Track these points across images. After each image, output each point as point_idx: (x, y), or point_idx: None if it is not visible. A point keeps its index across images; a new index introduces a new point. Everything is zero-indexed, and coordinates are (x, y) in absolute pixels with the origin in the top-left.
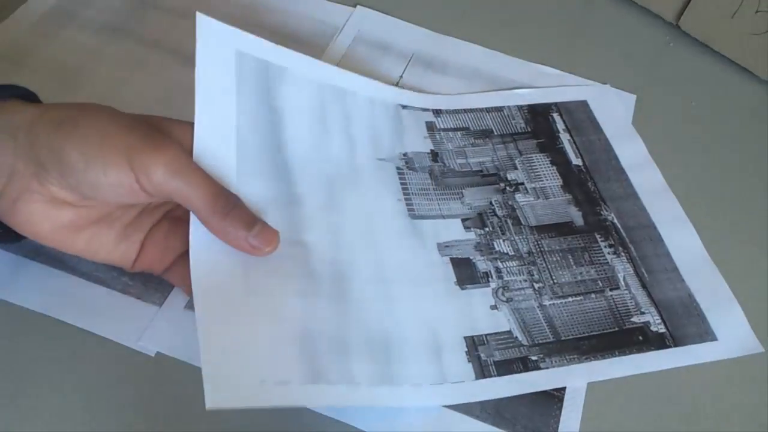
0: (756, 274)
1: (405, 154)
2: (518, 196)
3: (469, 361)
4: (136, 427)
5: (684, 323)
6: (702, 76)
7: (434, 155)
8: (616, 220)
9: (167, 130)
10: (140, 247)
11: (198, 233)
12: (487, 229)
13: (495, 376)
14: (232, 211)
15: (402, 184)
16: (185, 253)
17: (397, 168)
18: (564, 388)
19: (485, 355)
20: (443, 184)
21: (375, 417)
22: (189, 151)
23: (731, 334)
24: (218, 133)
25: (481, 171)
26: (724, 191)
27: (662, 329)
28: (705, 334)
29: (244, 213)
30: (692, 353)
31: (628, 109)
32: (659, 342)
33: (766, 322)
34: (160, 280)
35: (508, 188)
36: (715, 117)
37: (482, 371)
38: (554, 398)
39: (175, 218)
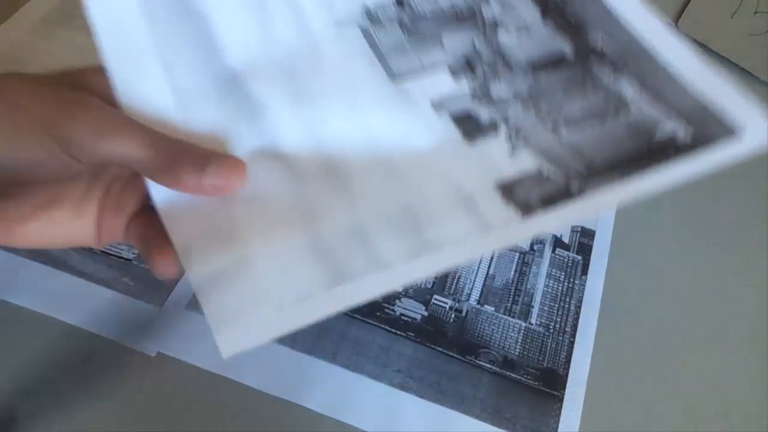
0: (756, 275)
1: (366, 9)
2: (501, 34)
3: (508, 204)
4: (136, 427)
5: (707, 126)
6: None
7: (399, 2)
8: (604, 43)
9: (87, 84)
10: (97, 219)
11: (156, 187)
12: (478, 72)
13: (541, 212)
14: (177, 157)
15: (371, 45)
16: (138, 211)
17: (361, 28)
18: (564, 388)
19: (523, 196)
20: (418, 33)
21: (375, 417)
22: (113, 101)
23: (754, 129)
24: (138, 68)
25: (455, 12)
26: (724, 190)
27: (689, 136)
28: (729, 133)
29: (192, 154)
30: (723, 152)
31: None
32: (689, 148)
33: None
34: (159, 280)
35: (487, 27)
36: None
37: (526, 210)
38: (554, 398)
39: (126, 175)
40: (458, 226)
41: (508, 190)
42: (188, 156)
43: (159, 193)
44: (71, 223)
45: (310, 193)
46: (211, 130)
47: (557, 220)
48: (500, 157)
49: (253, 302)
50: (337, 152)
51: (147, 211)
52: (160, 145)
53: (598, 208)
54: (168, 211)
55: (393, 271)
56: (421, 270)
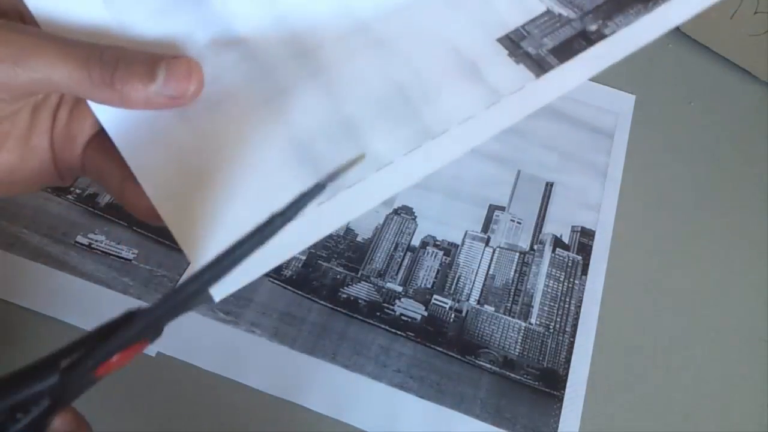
0: (757, 275)
1: None
2: None
3: (518, 63)
4: (136, 427)
5: None
6: (701, 76)
7: None
8: None
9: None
10: (52, 154)
11: (102, 109)
12: None
13: (557, 65)
14: (117, 69)
15: None
16: (90, 140)
17: None
18: (564, 388)
19: (534, 48)
20: None
21: (375, 417)
22: (28, 18)
23: None
24: None
25: None
26: (724, 191)
27: None
28: None
29: (135, 63)
30: None
31: (628, 109)
32: None
33: None
34: (159, 280)
35: None
36: (714, 117)
37: (540, 66)
38: (554, 398)
39: (71, 100)
40: (461, 100)
41: (515, 44)
42: (130, 66)
43: (106, 114)
44: (23, 164)
45: (280, 82)
46: (152, 30)
47: (578, 73)
48: (499, 3)
49: (235, 230)
50: (304, 25)
51: (104, 136)
52: (93, 59)
53: (625, 50)
54: (120, 134)
55: (393, 169)
56: (427, 163)
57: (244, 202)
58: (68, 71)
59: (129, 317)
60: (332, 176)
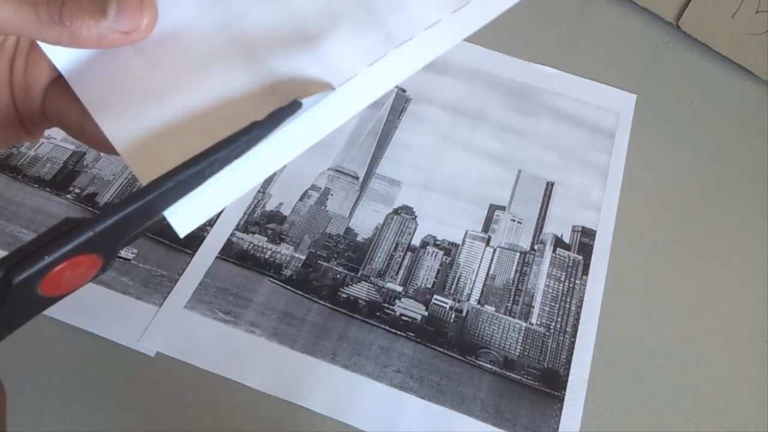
0: (756, 275)
1: None
2: None
3: None
4: (136, 427)
5: None
6: (702, 76)
7: None
8: None
9: None
10: (14, 105)
11: (54, 50)
12: None
13: None
14: (65, 5)
15: None
16: (49, 85)
17: None
18: (565, 389)
19: None
20: None
21: (375, 417)
22: None
23: None
24: None
25: None
26: (724, 191)
27: None
28: None
29: None
30: None
31: (629, 108)
32: None
33: None
34: (159, 280)
35: None
36: (715, 117)
37: None
38: (555, 398)
39: (26, 44)
40: (427, 4)
41: None
42: (80, 1)
43: (58, 55)
44: None
45: (235, 7)
46: None
47: None
48: None
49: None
50: None
51: (62, 79)
52: None
53: None
54: (75, 76)
55: (358, 83)
56: (394, 73)
57: (204, 129)
58: (13, 10)
59: (70, 222)
60: (305, 96)
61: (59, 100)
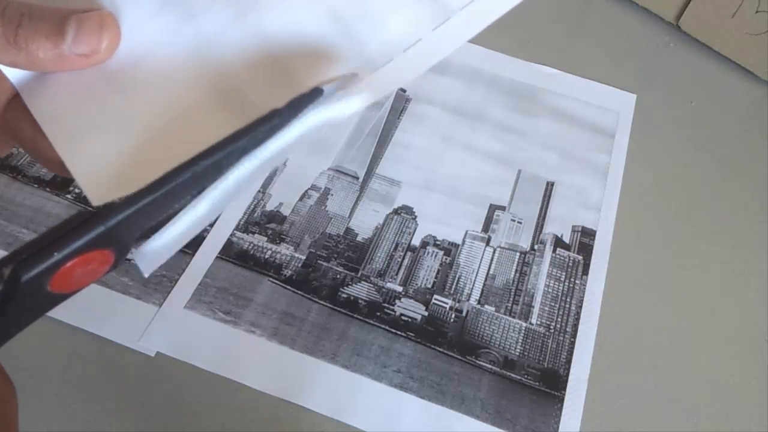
0: (756, 275)
1: None
2: None
3: None
4: (136, 426)
5: None
6: (702, 76)
7: None
8: None
9: None
10: None
11: (12, 71)
12: None
13: None
14: (22, 27)
15: None
16: (11, 100)
17: None
18: (565, 389)
19: None
20: None
21: (375, 417)
22: None
23: None
24: None
25: None
26: (724, 191)
27: None
28: None
29: (41, 18)
30: None
31: (629, 108)
32: None
33: None
34: (159, 280)
35: None
36: (715, 117)
37: None
38: (555, 399)
39: None
40: (406, 22)
41: None
42: (36, 22)
43: (18, 77)
44: None
45: (206, 28)
46: None
47: None
48: None
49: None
50: None
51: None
52: None
53: None
54: (33, 94)
55: (330, 111)
56: (396, 77)
57: (167, 151)
58: None
59: (82, 216)
60: (328, 84)
61: (16, 115)
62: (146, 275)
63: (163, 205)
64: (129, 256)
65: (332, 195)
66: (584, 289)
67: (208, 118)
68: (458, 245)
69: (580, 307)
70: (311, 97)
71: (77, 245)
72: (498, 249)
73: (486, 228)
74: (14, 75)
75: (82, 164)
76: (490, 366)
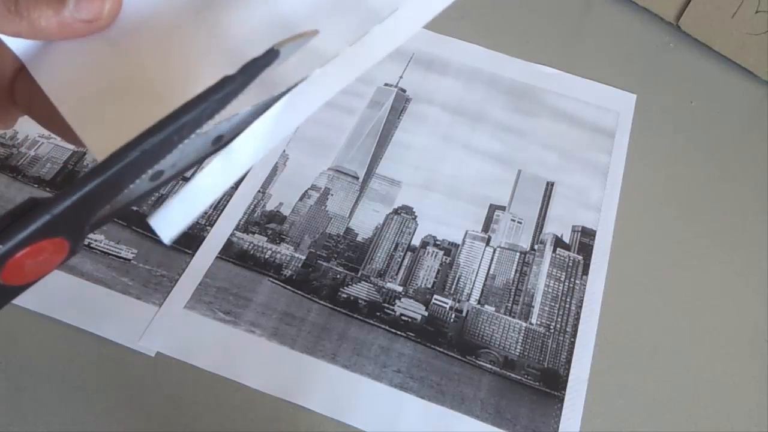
0: (756, 275)
1: None
2: None
3: None
4: (136, 427)
5: None
6: (702, 76)
7: None
8: None
9: None
10: None
11: (15, 41)
12: None
13: None
14: None
15: None
16: (18, 71)
17: None
18: (565, 389)
19: None
20: None
21: (375, 417)
22: None
23: None
24: None
25: None
26: (724, 190)
27: None
28: None
29: None
30: None
31: (629, 108)
32: None
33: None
34: (159, 279)
35: None
36: (715, 117)
37: None
38: (555, 398)
39: None
40: None
41: None
42: None
43: (20, 46)
44: None
45: None
46: None
47: None
48: None
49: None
50: None
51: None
52: None
53: None
54: (38, 64)
55: (338, 64)
56: (379, 48)
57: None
58: None
59: (33, 203)
60: (285, 44)
61: (28, 88)
62: (166, 242)
63: (113, 187)
64: (148, 221)
65: (332, 195)
66: (584, 289)
67: (212, 78)
68: (458, 245)
69: (580, 307)
70: (266, 59)
71: (23, 236)
72: (498, 249)
73: (486, 228)
74: (18, 46)
75: (92, 130)
76: (490, 366)
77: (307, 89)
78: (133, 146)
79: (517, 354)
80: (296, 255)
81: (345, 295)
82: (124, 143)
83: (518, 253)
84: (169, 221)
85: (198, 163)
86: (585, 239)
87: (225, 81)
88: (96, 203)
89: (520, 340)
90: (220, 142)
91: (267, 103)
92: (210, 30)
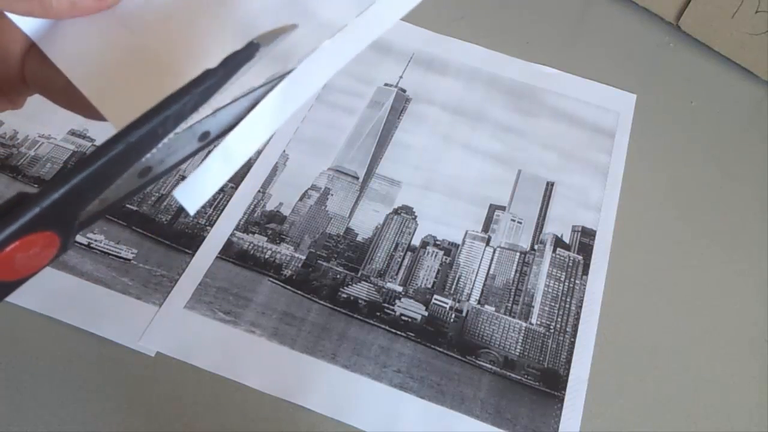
0: (756, 275)
1: None
2: None
3: None
4: (136, 426)
5: None
6: (702, 76)
7: None
8: None
9: None
10: None
11: (27, 21)
12: None
13: None
14: None
15: None
16: (27, 50)
17: None
18: (565, 389)
19: None
20: None
21: (375, 417)
22: None
23: None
24: None
25: None
26: (724, 191)
27: None
28: None
29: None
30: None
31: (629, 108)
32: None
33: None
34: (159, 279)
35: None
36: (715, 117)
37: None
38: (555, 398)
39: None
40: None
41: None
42: None
43: (32, 27)
44: None
45: None
46: None
47: None
48: None
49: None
50: None
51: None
52: None
53: None
54: (50, 42)
55: (346, 34)
56: (383, 19)
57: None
58: None
59: (22, 197)
60: (265, 37)
61: (39, 67)
62: (191, 213)
63: (101, 179)
64: (174, 192)
65: (332, 195)
66: (584, 289)
67: (221, 52)
68: (458, 245)
69: (580, 307)
70: (246, 53)
71: (12, 229)
72: (498, 249)
73: (486, 228)
74: (30, 26)
75: (109, 102)
76: (490, 366)
77: (319, 58)
78: (117, 139)
79: (517, 354)
80: (296, 255)
81: (345, 295)
82: (141, 113)
83: (518, 253)
84: (194, 193)
85: (186, 159)
86: (585, 239)
87: (207, 74)
88: (84, 196)
89: (520, 340)
90: (207, 138)
91: (263, 86)
92: (218, 4)
